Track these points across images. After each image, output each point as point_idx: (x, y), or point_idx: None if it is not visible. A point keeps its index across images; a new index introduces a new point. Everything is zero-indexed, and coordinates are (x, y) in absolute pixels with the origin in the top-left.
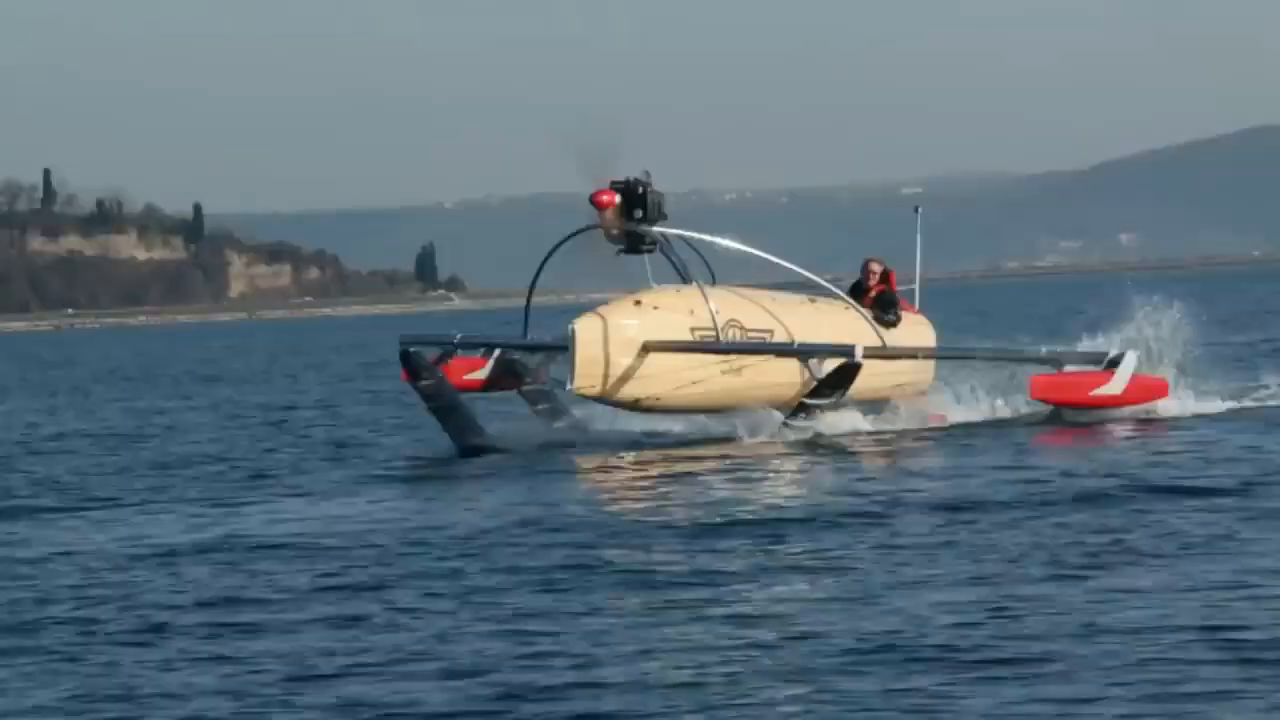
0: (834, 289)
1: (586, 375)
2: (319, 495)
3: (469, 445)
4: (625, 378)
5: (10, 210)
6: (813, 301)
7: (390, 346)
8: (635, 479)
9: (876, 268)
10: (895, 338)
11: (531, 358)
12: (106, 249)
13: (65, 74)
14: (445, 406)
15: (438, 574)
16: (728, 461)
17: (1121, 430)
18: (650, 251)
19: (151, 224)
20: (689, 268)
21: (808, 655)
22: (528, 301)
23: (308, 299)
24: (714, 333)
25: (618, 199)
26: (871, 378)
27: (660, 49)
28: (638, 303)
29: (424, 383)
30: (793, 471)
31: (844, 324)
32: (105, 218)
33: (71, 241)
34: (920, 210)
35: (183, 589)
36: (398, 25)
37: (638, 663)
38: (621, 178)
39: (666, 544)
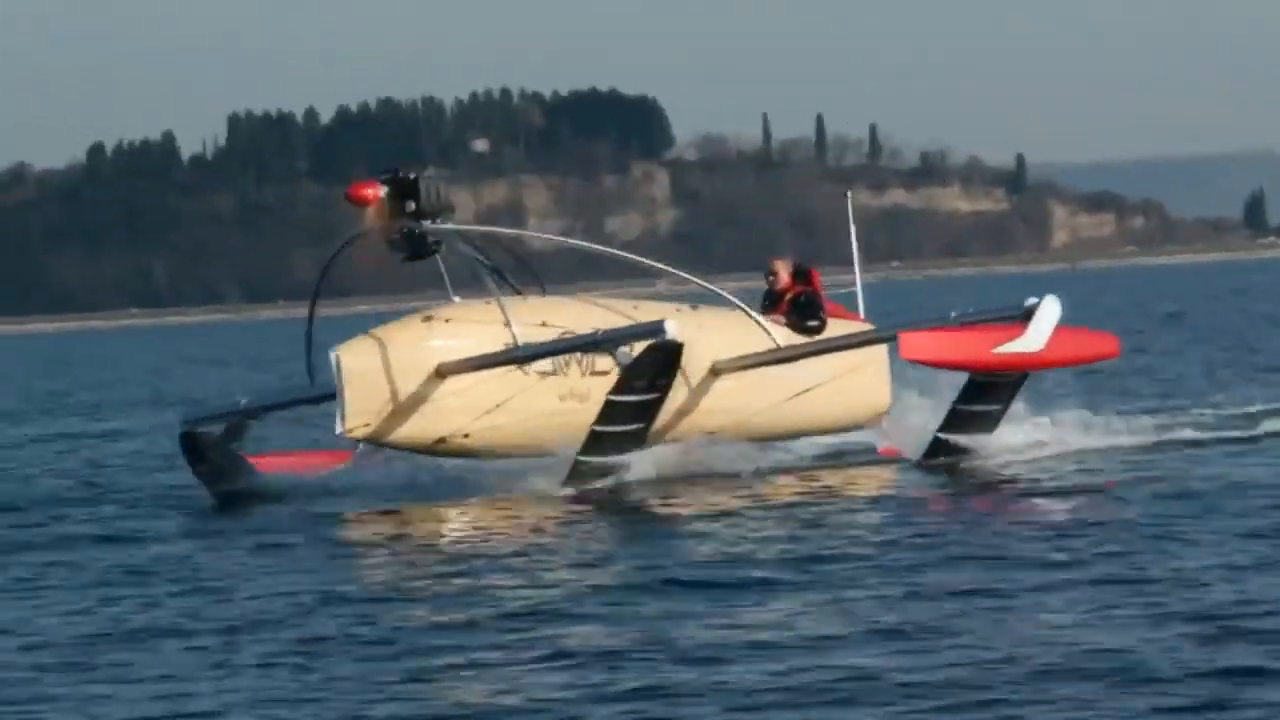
0: (724, 293)
1: (360, 413)
2: None
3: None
4: (414, 411)
5: (838, 165)
6: (695, 309)
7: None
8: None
9: (780, 267)
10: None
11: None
12: (930, 201)
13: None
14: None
15: None
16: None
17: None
18: (434, 253)
19: (974, 176)
20: (508, 275)
21: None
22: (308, 336)
23: (1130, 248)
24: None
25: (383, 192)
26: (753, 392)
27: None
28: (428, 319)
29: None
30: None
31: (724, 331)
32: (929, 170)
33: (896, 195)
34: (850, 194)
35: None
36: None
37: None
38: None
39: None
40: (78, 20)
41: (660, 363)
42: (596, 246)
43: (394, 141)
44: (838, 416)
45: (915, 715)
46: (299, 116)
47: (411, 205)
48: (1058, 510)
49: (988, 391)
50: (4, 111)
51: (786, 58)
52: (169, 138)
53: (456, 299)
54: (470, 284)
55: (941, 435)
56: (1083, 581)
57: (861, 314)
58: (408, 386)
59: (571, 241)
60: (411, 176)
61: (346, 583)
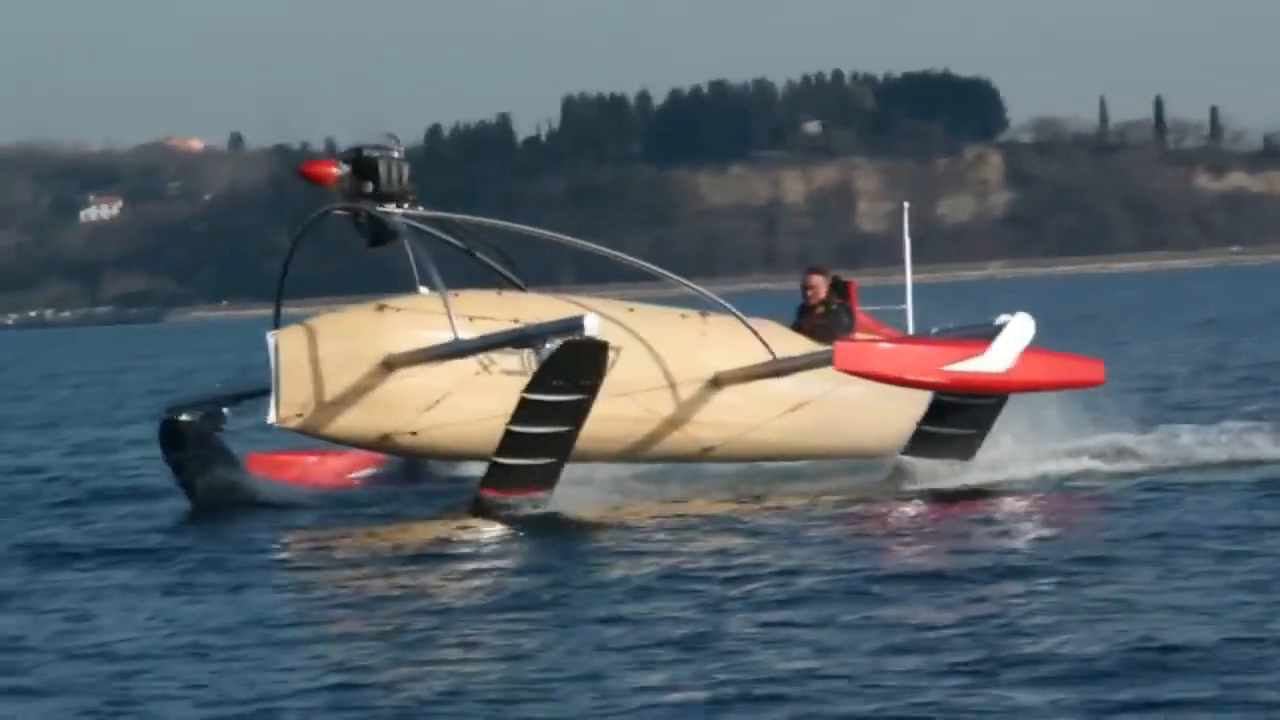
0: (722, 301)
1: (292, 403)
2: None
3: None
4: (354, 403)
5: (1178, 148)
6: (704, 317)
7: None
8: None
9: (818, 280)
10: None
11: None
12: (1272, 185)
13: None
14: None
15: None
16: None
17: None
18: (394, 239)
19: None
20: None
21: None
22: (276, 314)
23: None
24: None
25: (343, 170)
26: (753, 408)
27: None
28: (381, 308)
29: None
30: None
31: (732, 342)
32: (1272, 153)
33: (1237, 178)
34: (908, 205)
35: None
36: None
37: None
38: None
39: None
40: (416, 3)
41: (579, 361)
42: (582, 242)
43: (725, 124)
44: (840, 441)
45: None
46: (632, 99)
47: (370, 187)
48: None
49: (957, 413)
50: (344, 94)
51: (1125, 40)
52: (504, 120)
53: (423, 290)
54: (472, 276)
55: (905, 456)
56: None
57: (911, 331)
58: (350, 378)
59: (541, 233)
60: (372, 156)
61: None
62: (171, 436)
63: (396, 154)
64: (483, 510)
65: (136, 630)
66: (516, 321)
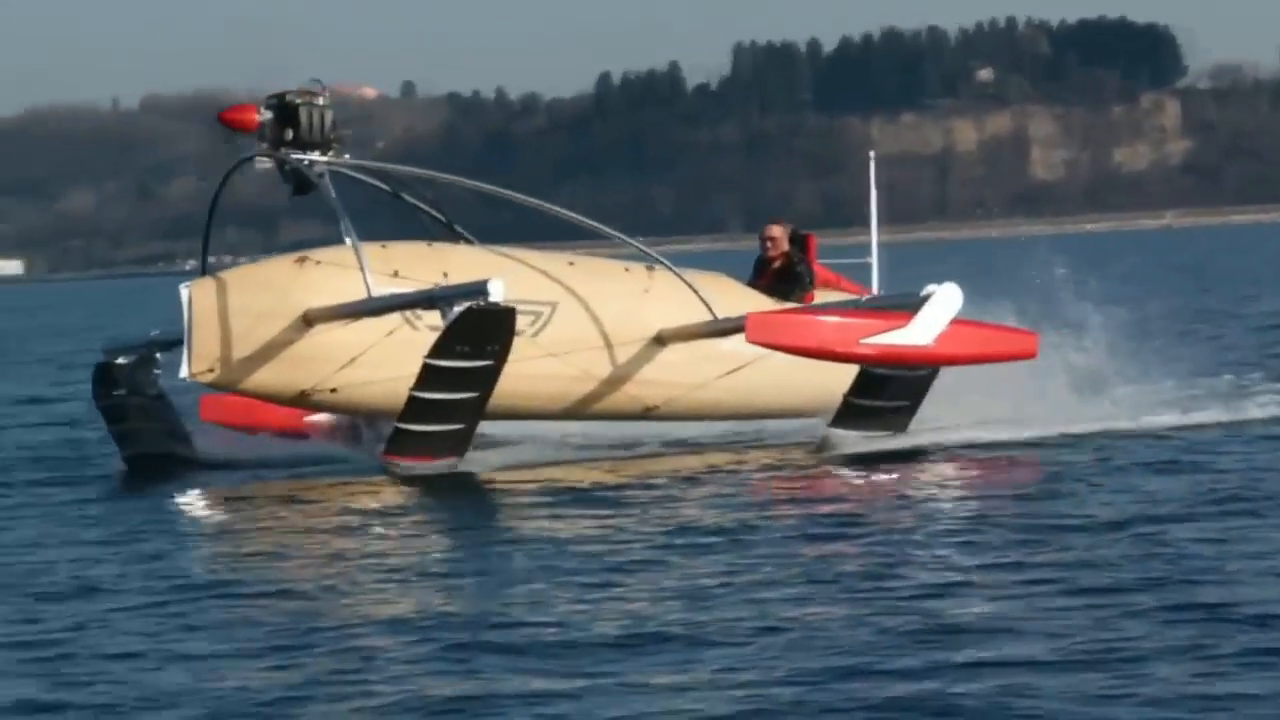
0: (656, 255)
1: (205, 357)
2: None
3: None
4: (271, 358)
5: None
6: (649, 271)
7: None
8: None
9: (776, 232)
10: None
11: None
12: None
13: None
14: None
15: None
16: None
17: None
18: (315, 188)
19: None
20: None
21: None
22: (202, 264)
23: None
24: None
25: (264, 117)
26: (695, 367)
27: None
28: (301, 260)
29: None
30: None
31: (676, 298)
32: None
33: None
34: (874, 155)
35: None
36: None
37: None
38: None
39: None
40: None
41: (483, 327)
42: (521, 196)
43: (896, 71)
44: (775, 399)
45: None
46: (802, 46)
47: (290, 134)
48: None
49: (884, 386)
50: (517, 43)
51: None
52: (674, 68)
53: (348, 241)
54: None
55: (832, 429)
56: None
57: (875, 287)
58: (267, 332)
59: (467, 182)
60: (294, 102)
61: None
62: (105, 380)
63: (321, 101)
64: (402, 455)
65: None
66: (446, 275)
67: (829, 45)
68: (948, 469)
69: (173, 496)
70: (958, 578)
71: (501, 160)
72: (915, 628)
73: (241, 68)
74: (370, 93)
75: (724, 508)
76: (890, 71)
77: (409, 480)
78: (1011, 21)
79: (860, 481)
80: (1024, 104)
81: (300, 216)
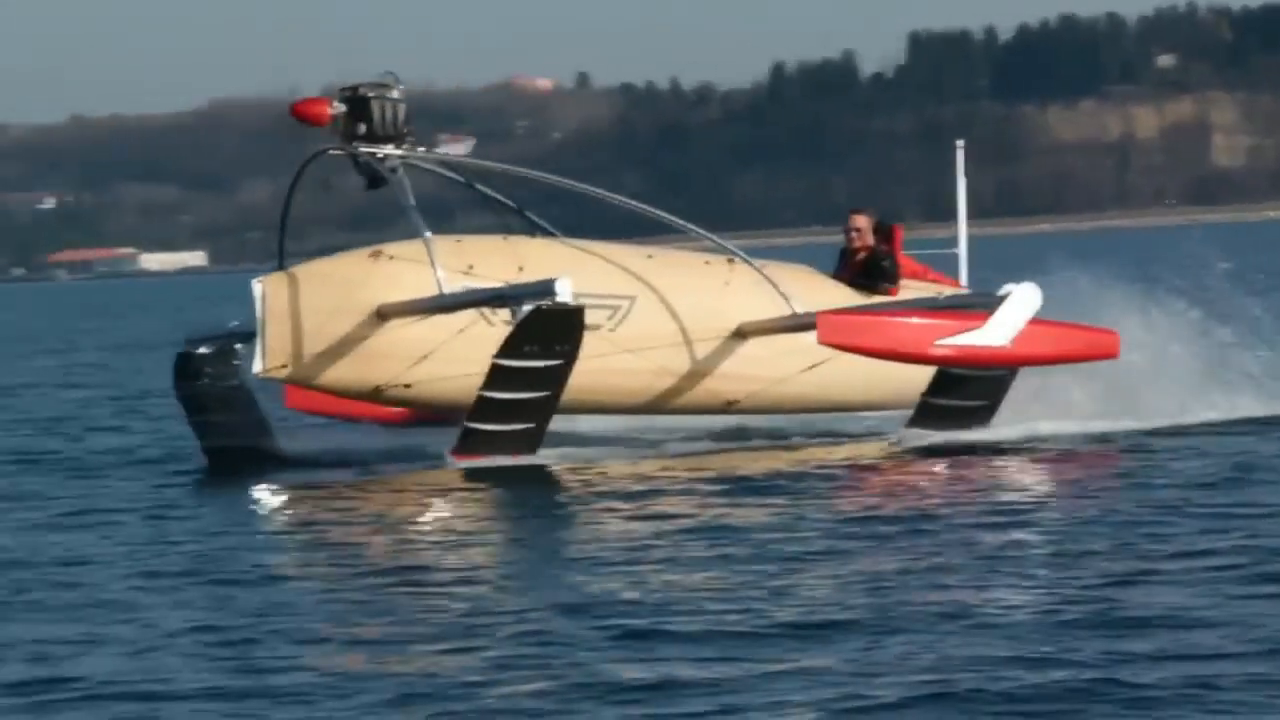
0: (734, 249)
1: (278, 352)
2: None
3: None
4: (344, 354)
5: None
6: (730, 264)
7: None
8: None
9: (862, 222)
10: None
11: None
12: None
13: None
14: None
15: None
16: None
17: None
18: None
19: None
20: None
21: None
22: (280, 260)
23: None
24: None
25: (337, 110)
26: (778, 360)
27: None
28: (376, 254)
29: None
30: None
31: (758, 292)
32: None
33: None
34: (962, 145)
35: None
36: None
37: None
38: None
39: None
40: None
41: (551, 327)
42: (585, 186)
43: (1074, 59)
44: (858, 392)
45: None
46: (978, 34)
47: (362, 128)
48: None
49: (962, 385)
50: (691, 33)
51: None
52: (849, 56)
53: (428, 234)
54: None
55: (909, 429)
56: None
57: (964, 279)
58: (341, 327)
59: (546, 177)
60: (366, 95)
61: None
62: (186, 371)
63: (394, 94)
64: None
65: None
66: (521, 270)
67: (1005, 33)
68: (1128, 459)
69: (342, 486)
70: (1143, 566)
71: (676, 151)
72: (1100, 617)
73: (413, 56)
74: (545, 85)
75: (897, 497)
76: (1068, 59)
77: (577, 470)
78: (1192, 7)
79: (1040, 470)
80: (1205, 90)
81: (475, 207)
